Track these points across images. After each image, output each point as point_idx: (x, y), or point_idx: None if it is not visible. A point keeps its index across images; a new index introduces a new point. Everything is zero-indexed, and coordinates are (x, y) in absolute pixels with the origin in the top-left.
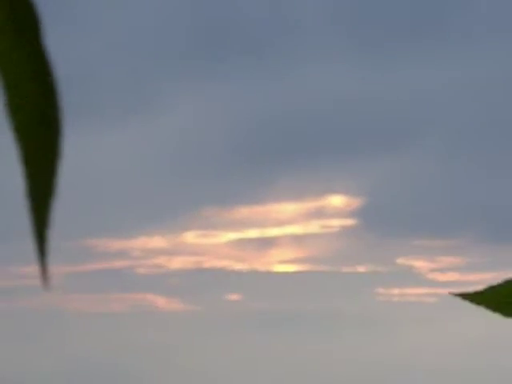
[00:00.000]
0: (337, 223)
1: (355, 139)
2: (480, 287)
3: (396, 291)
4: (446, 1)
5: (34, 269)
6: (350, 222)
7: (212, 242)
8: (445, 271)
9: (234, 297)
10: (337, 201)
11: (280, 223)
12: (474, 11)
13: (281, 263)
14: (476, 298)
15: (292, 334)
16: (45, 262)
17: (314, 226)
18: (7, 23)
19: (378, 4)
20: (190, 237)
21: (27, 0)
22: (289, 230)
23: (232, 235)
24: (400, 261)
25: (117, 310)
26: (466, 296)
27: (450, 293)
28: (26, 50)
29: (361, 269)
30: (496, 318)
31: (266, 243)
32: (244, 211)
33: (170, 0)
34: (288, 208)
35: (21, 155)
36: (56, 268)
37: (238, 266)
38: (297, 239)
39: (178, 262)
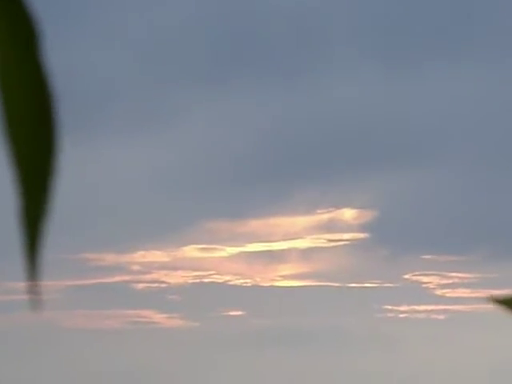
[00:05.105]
0: (346, 237)
1: (368, 153)
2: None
3: (404, 308)
4: (472, 14)
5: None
6: (360, 235)
7: (214, 256)
8: (455, 287)
9: (235, 313)
10: (348, 214)
11: (288, 237)
12: (502, 26)
13: (286, 278)
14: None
15: (296, 351)
16: (35, 278)
17: (322, 240)
18: (5, 37)
19: (401, 18)
20: (191, 251)
21: (27, 15)
22: (296, 243)
23: (235, 249)
24: (409, 276)
25: (112, 327)
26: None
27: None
28: (23, 64)
29: (368, 284)
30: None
31: (272, 257)
32: (253, 224)
33: (185, 15)
34: (298, 221)
35: (14, 170)
36: (52, 282)
37: (241, 281)
38: (304, 253)
39: (177, 277)
